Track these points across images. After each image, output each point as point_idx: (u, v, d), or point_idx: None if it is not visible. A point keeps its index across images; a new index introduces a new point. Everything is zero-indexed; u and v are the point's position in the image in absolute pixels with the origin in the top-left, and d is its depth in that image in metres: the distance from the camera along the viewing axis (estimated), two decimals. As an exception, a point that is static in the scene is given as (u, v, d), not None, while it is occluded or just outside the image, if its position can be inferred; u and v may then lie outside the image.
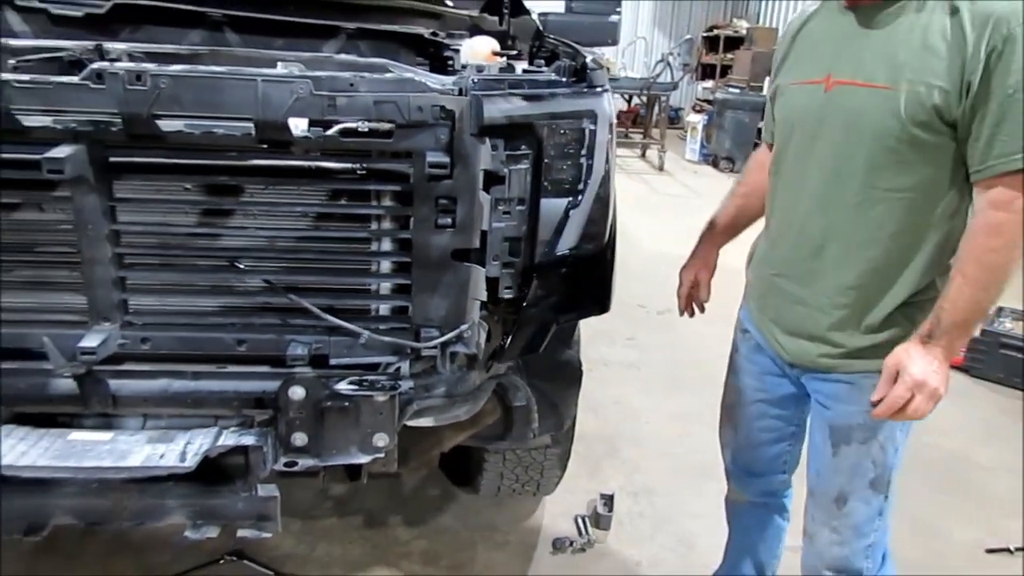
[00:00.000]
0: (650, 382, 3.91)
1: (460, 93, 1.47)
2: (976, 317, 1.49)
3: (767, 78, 10.62)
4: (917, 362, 1.47)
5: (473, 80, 1.51)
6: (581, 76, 1.68)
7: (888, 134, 1.45)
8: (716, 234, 2.02)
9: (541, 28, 2.50)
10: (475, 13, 2.46)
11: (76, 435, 1.60)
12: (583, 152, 1.66)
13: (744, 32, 12.13)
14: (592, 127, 1.66)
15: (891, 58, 1.44)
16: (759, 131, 1.69)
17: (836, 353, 1.64)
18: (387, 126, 1.47)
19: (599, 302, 1.83)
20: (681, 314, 2.10)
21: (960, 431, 3.58)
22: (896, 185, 1.49)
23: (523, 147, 1.58)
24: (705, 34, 13.05)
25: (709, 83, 12.52)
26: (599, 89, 1.67)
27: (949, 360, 1.49)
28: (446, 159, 1.47)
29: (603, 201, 1.74)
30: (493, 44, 2.22)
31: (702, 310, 2.08)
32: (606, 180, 1.74)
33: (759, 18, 12.91)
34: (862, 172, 1.51)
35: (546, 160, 1.62)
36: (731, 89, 10.34)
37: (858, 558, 1.73)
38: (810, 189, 1.60)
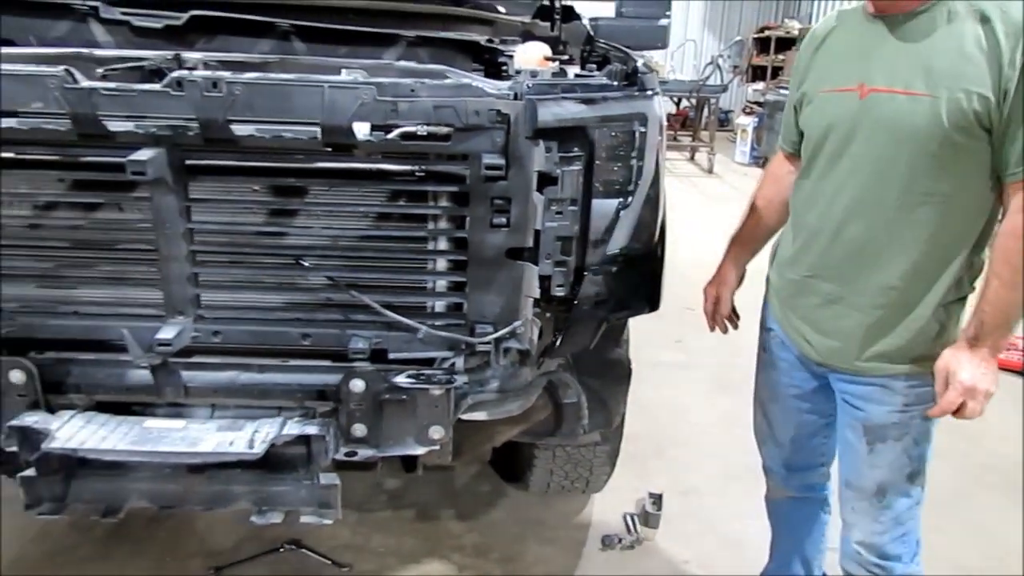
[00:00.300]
0: (698, 384, 3.94)
1: (515, 97, 1.53)
2: (1016, 316, 1.54)
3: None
4: (966, 367, 1.55)
5: (527, 85, 1.56)
6: (632, 80, 1.72)
7: (931, 139, 1.49)
8: (737, 251, 2.06)
9: (592, 33, 2.54)
10: (527, 19, 2.52)
11: (151, 423, 1.70)
12: (633, 154, 1.71)
13: (796, 33, 11.93)
14: (643, 129, 1.70)
15: (927, 66, 1.49)
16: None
17: (870, 355, 1.68)
18: (445, 130, 1.54)
19: (649, 300, 1.87)
20: (712, 330, 2.14)
21: (1019, 436, 3.51)
22: (935, 189, 1.54)
23: (575, 149, 1.64)
24: (756, 35, 12.90)
25: (760, 85, 12.37)
26: (649, 92, 1.72)
27: (996, 357, 1.57)
28: (501, 161, 1.52)
29: (653, 202, 1.78)
30: (545, 49, 2.27)
31: (735, 326, 2.11)
32: (656, 181, 1.78)
33: (811, 18, 12.72)
34: (903, 176, 1.55)
35: (597, 162, 1.67)
36: (782, 91, 10.21)
37: (896, 545, 1.79)
38: (848, 193, 1.64)
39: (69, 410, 1.67)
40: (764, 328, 2.00)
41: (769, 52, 12.39)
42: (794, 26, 12.21)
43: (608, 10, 3.34)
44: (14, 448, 1.64)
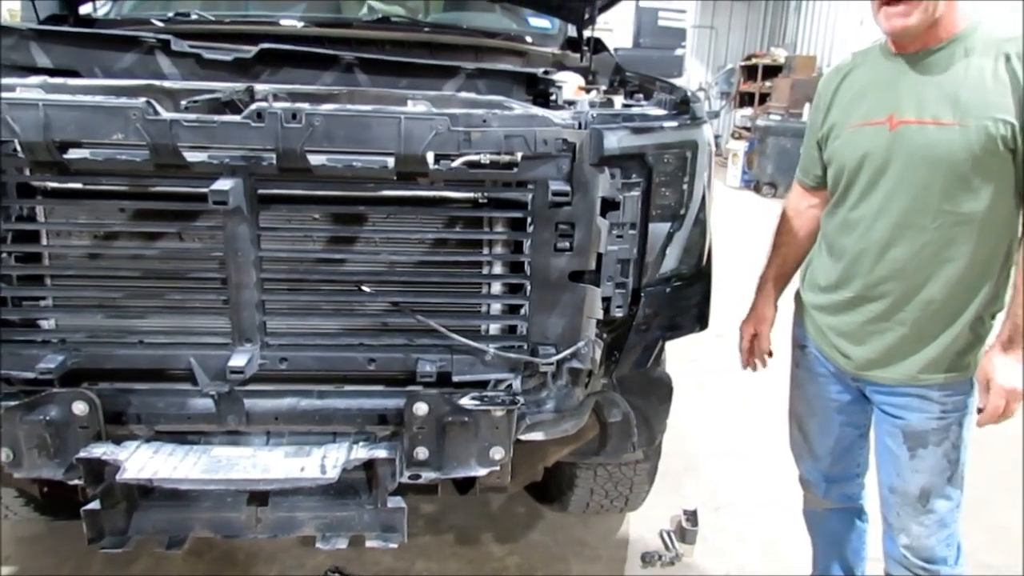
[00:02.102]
0: (719, 400, 4.01)
1: (580, 127, 1.58)
2: None
3: (807, 104, 10.78)
4: (1003, 371, 1.67)
5: (592, 115, 1.62)
6: (683, 108, 1.78)
7: (962, 163, 1.61)
8: (769, 288, 2.13)
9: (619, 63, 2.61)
10: (557, 51, 2.59)
11: (218, 451, 1.71)
12: (685, 179, 1.77)
13: (782, 60, 12.21)
14: (694, 155, 1.77)
15: (954, 98, 1.61)
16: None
17: (909, 367, 1.78)
18: (507, 158, 1.59)
19: (700, 319, 1.92)
20: (744, 367, 2.19)
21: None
22: (969, 208, 1.65)
23: (634, 175, 1.69)
24: (743, 63, 13.16)
25: (748, 111, 12.60)
26: (700, 120, 1.78)
27: None
28: (567, 187, 1.57)
29: (702, 224, 1.85)
30: (579, 80, 2.34)
31: (764, 364, 2.16)
32: (704, 205, 1.84)
33: (796, 47, 12.99)
34: (938, 199, 1.66)
35: (654, 187, 1.72)
36: (772, 116, 10.41)
37: (942, 547, 1.87)
38: (887, 219, 1.73)
39: (132, 441, 1.67)
40: (797, 346, 2.07)
41: (756, 79, 12.63)
42: (780, 54, 12.48)
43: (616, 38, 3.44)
44: (77, 482, 1.65)
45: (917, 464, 1.82)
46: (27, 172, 1.57)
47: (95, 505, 1.64)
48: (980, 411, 1.73)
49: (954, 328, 1.73)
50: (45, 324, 1.70)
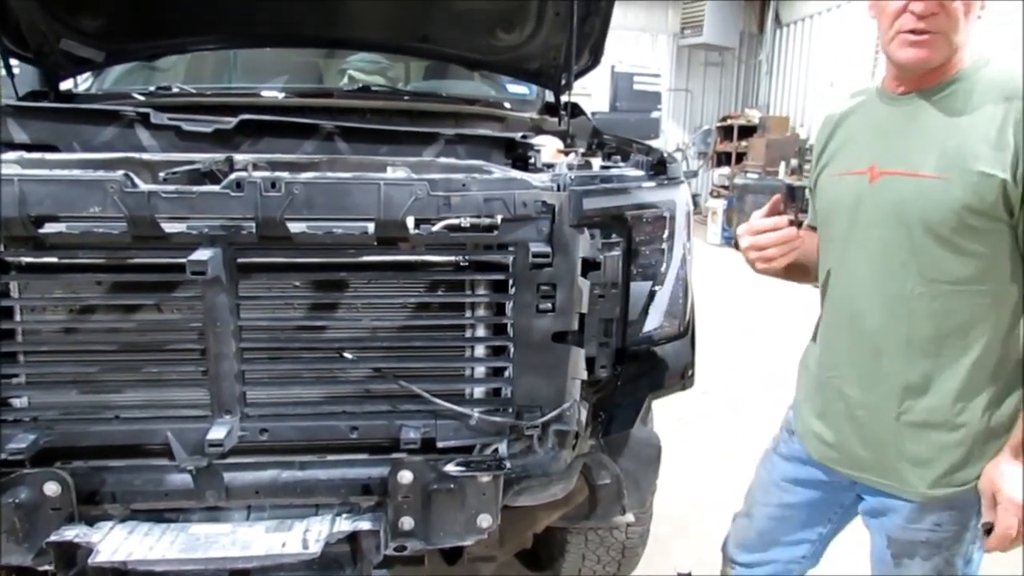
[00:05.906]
0: (707, 459, 3.95)
1: (559, 189, 1.59)
2: None
3: (782, 163, 11.02)
4: (1011, 482, 1.40)
5: (570, 177, 1.63)
6: (660, 169, 1.81)
7: (940, 223, 1.38)
8: None
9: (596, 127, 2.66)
10: (535, 115, 2.63)
11: (196, 528, 1.66)
12: (664, 238, 1.78)
13: (756, 121, 12.52)
14: (672, 215, 1.78)
15: (940, 146, 1.39)
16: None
17: (904, 480, 1.53)
18: (488, 221, 1.59)
19: (685, 377, 1.91)
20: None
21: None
22: (954, 277, 1.41)
23: (614, 235, 1.70)
24: (719, 124, 13.47)
25: (725, 169, 12.85)
26: (677, 180, 1.80)
27: None
28: (548, 249, 1.57)
29: (683, 282, 1.85)
30: (558, 143, 2.38)
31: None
32: (684, 263, 1.85)
33: (769, 107, 13.33)
34: (914, 263, 1.43)
35: (634, 246, 1.73)
36: (749, 175, 10.63)
37: None
38: (861, 283, 1.52)
39: (106, 521, 1.62)
40: (785, 430, 1.85)
41: (732, 139, 12.92)
42: (754, 115, 12.79)
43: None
44: (48, 567, 1.59)
45: (902, 574, 1.58)
46: (1, 248, 1.55)
47: (67, 592, 1.58)
48: (988, 531, 1.44)
49: (950, 426, 1.46)
50: (17, 402, 1.66)
